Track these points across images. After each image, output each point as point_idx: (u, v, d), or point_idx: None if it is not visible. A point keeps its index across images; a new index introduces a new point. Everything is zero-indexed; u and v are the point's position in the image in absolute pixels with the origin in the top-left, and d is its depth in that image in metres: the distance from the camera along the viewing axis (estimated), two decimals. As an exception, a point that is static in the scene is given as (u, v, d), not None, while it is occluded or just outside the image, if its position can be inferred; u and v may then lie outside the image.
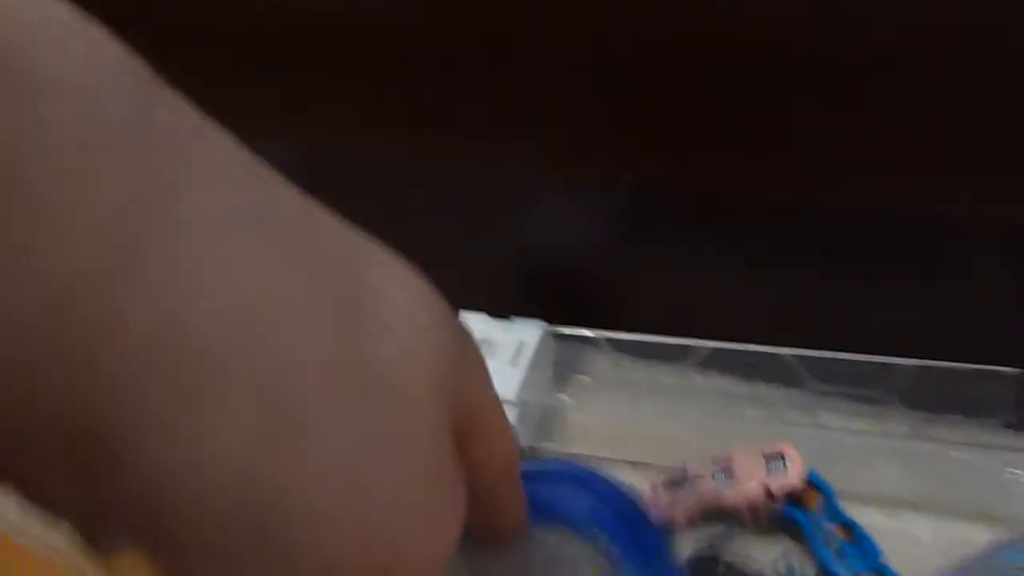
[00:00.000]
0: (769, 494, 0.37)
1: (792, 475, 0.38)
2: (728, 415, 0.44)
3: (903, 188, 0.41)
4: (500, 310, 0.49)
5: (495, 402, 0.24)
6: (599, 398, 0.48)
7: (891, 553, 0.38)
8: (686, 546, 0.38)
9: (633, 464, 0.43)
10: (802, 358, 0.43)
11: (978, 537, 0.38)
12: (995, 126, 0.38)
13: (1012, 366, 0.41)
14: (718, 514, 0.39)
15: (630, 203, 0.48)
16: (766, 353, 0.44)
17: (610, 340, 0.48)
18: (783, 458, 0.38)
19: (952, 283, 0.44)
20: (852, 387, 0.44)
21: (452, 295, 0.22)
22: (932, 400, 0.43)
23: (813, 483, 0.38)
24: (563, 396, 0.48)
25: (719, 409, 0.44)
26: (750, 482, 0.38)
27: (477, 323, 0.49)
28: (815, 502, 0.38)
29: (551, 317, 0.49)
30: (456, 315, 0.22)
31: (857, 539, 0.37)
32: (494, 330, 0.48)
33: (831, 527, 0.37)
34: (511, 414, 0.46)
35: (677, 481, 0.40)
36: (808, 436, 0.42)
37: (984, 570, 0.37)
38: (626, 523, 0.28)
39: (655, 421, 0.44)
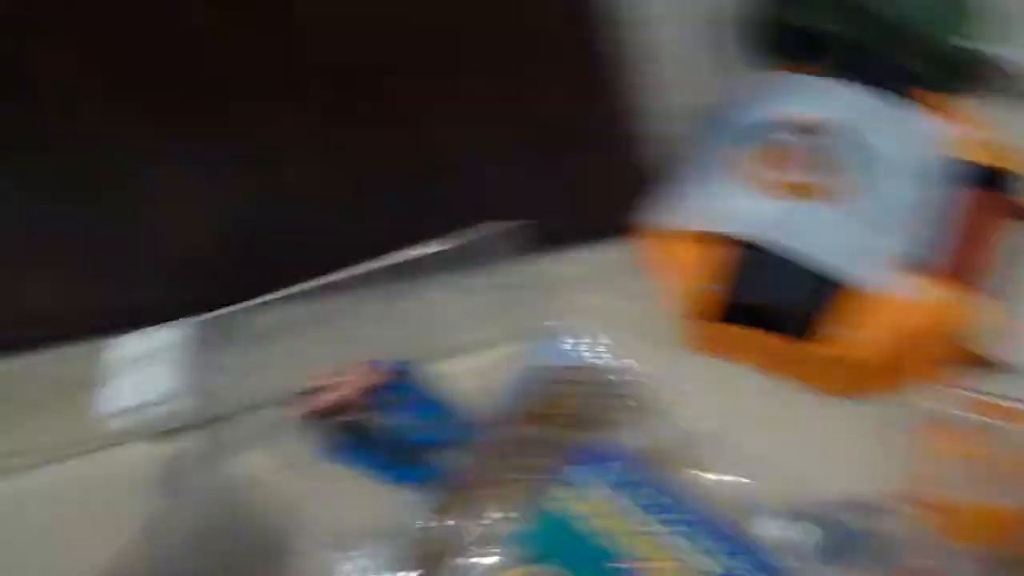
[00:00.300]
0: (359, 392, 0.50)
1: (362, 376, 0.50)
2: (339, 338, 0.55)
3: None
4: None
5: None
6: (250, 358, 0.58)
7: (476, 387, 0.52)
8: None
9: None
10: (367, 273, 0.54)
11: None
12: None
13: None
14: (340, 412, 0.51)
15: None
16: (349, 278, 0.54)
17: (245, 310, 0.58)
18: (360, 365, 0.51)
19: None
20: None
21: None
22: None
23: (392, 371, 0.51)
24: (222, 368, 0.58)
25: (332, 334, 0.56)
26: (346, 388, 0.50)
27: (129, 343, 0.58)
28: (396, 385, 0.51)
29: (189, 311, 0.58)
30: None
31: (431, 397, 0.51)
32: (140, 343, 0.57)
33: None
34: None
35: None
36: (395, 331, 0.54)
37: (525, 380, 0.51)
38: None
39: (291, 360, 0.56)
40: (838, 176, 0.50)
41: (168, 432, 0.57)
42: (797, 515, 0.44)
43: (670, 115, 0.57)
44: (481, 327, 0.54)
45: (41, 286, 0.59)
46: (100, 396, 0.56)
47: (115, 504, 0.55)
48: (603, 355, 0.52)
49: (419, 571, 0.45)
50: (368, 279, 0.54)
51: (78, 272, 0.58)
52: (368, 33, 0.45)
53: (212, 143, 0.50)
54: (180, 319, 0.58)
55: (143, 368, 0.57)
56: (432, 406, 0.50)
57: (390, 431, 0.50)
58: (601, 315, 0.53)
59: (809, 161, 0.50)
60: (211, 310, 0.57)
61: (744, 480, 0.46)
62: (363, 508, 0.49)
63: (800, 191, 0.49)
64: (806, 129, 0.52)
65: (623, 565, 0.43)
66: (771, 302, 0.48)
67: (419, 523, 0.46)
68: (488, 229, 0.52)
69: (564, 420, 0.49)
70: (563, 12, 0.45)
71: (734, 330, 0.49)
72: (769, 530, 0.44)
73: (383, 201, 0.54)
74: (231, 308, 0.57)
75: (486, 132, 0.51)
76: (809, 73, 0.55)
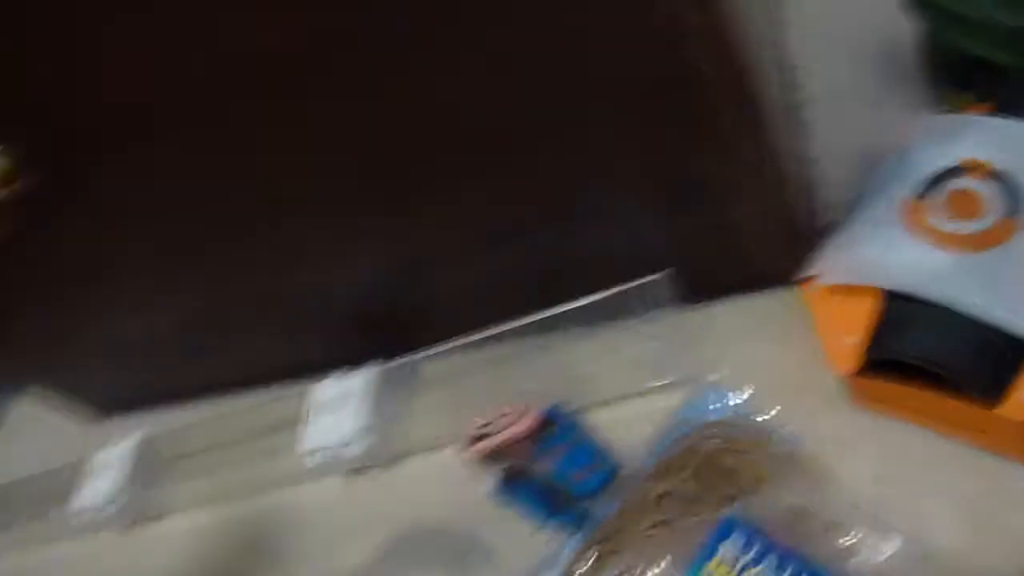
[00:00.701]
0: (520, 437, 0.52)
1: (526, 422, 0.52)
2: (501, 385, 0.59)
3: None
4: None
5: None
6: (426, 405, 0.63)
7: (628, 436, 0.53)
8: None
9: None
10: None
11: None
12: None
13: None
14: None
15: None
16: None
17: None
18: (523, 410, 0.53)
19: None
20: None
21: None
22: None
23: (551, 417, 0.53)
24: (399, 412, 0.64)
25: (493, 381, 0.59)
26: (508, 430, 0.53)
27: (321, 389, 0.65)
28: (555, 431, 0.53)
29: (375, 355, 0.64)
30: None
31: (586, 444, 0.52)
32: (332, 388, 0.64)
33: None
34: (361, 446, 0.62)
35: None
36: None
37: (676, 432, 0.51)
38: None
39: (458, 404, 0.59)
40: (1012, 223, 0.47)
41: (354, 470, 0.63)
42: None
43: (835, 160, 0.56)
44: (634, 377, 0.55)
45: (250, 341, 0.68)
46: (299, 436, 0.64)
47: (307, 532, 0.62)
48: (755, 409, 0.51)
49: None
50: (527, 331, 0.57)
51: (279, 329, 0.66)
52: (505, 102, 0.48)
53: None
54: (361, 368, 0.64)
55: (334, 411, 0.64)
56: (586, 453, 0.52)
57: (547, 476, 0.52)
58: (756, 366, 0.53)
59: (981, 209, 0.48)
60: (386, 360, 0.63)
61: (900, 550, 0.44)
62: (521, 546, 0.52)
63: (972, 241, 0.47)
64: (979, 175, 0.49)
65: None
66: (942, 360, 0.45)
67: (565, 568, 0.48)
68: (643, 280, 0.54)
69: (712, 476, 0.49)
70: (717, 57, 0.44)
71: (897, 386, 0.46)
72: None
73: (539, 255, 0.57)
74: (405, 357, 0.62)
75: (638, 184, 0.52)
76: (983, 111, 0.52)
